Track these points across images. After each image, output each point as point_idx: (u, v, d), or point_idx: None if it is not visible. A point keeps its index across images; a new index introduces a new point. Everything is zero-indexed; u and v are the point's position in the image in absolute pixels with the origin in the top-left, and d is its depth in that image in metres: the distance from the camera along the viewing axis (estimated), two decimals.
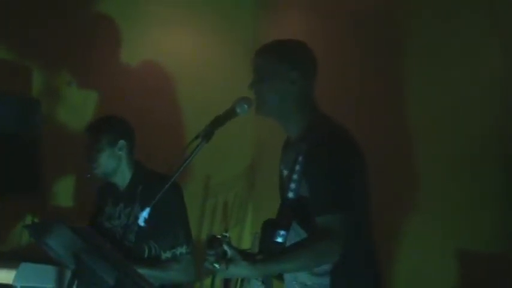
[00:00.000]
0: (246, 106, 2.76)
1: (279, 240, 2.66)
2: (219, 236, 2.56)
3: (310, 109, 2.80)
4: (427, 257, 3.61)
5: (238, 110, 2.76)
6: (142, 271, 2.98)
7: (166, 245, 3.37)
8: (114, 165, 3.50)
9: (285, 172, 2.85)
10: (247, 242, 4.91)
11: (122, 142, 3.51)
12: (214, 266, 2.50)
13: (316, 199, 2.62)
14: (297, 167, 2.68)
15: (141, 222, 2.69)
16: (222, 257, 2.50)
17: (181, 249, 3.37)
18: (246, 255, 2.55)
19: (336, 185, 2.60)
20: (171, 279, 3.36)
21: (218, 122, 2.73)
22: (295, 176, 2.69)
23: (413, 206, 3.71)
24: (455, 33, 3.57)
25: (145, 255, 3.39)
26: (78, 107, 4.79)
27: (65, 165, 4.69)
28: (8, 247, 4.29)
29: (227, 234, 2.59)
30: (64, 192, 4.74)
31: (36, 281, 3.08)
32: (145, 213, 2.69)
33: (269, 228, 2.75)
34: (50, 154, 4.47)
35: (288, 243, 2.66)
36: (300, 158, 2.67)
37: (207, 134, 2.70)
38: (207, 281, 4.55)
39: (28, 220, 4.48)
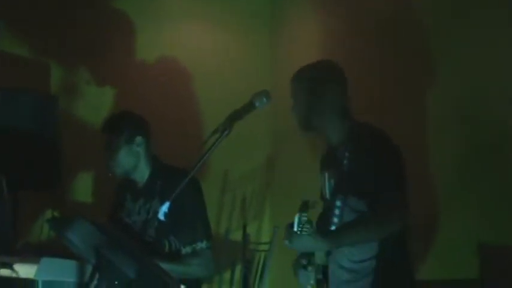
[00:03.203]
0: (264, 99, 2.79)
1: (336, 211, 2.89)
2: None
3: (347, 118, 3.03)
4: (448, 251, 3.61)
5: (256, 104, 2.79)
6: (163, 266, 2.99)
7: (186, 239, 3.37)
8: (134, 162, 3.50)
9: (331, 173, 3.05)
10: (266, 236, 4.92)
11: (139, 138, 3.51)
12: (306, 231, 2.66)
13: (379, 178, 2.84)
14: (347, 154, 2.90)
15: (161, 216, 2.71)
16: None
17: (201, 244, 3.37)
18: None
19: (395, 167, 2.89)
20: (191, 274, 3.37)
21: (236, 115, 2.76)
22: (347, 155, 2.90)
23: (433, 199, 3.70)
24: (475, 25, 3.55)
25: (166, 250, 3.41)
26: (95, 104, 4.82)
27: (83, 161, 4.72)
28: (28, 242, 4.32)
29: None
30: (83, 187, 4.76)
31: (58, 275, 3.08)
32: (165, 208, 2.71)
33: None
34: (68, 150, 4.49)
35: (344, 218, 2.89)
36: (347, 154, 2.90)
37: (226, 128, 2.72)
38: (226, 275, 4.57)
39: (48, 215, 4.51)
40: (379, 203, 2.81)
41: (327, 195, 3.09)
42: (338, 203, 2.90)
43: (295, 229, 2.69)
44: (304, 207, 2.70)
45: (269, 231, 4.86)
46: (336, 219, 2.89)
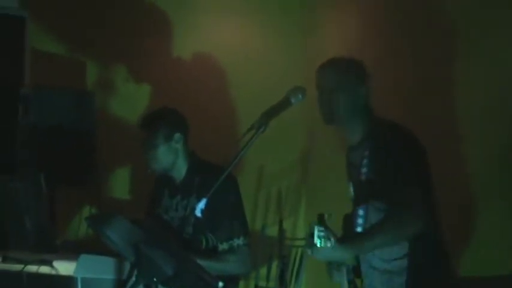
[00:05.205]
0: (300, 96, 2.79)
1: (360, 220, 2.88)
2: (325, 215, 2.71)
3: (368, 119, 2.97)
4: (482, 247, 3.58)
5: (292, 100, 2.78)
6: (200, 262, 3.00)
7: (223, 236, 3.38)
8: (172, 159, 3.51)
9: (354, 174, 2.99)
10: (301, 231, 4.91)
11: (177, 135, 3.51)
12: (326, 244, 2.62)
13: (393, 175, 2.79)
14: (365, 160, 2.86)
15: (198, 213, 2.72)
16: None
17: (238, 241, 3.38)
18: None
19: (410, 163, 2.81)
20: (228, 271, 3.37)
21: (272, 112, 2.76)
22: (365, 161, 2.87)
23: (469, 202, 3.67)
24: (506, 22, 3.52)
25: (203, 247, 3.42)
26: (131, 100, 4.84)
27: (120, 157, 4.75)
28: (67, 239, 4.36)
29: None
30: (120, 184, 4.79)
31: (96, 272, 3.12)
32: (202, 204, 2.72)
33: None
34: (105, 147, 4.52)
35: (369, 218, 2.87)
36: (367, 153, 2.87)
37: (261, 125, 2.72)
38: (263, 271, 4.57)
39: (85, 212, 4.55)
40: (397, 204, 2.76)
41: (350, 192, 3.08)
42: (361, 212, 2.87)
43: (315, 241, 2.63)
44: (321, 221, 2.63)
45: (305, 227, 4.85)
46: (360, 221, 2.88)
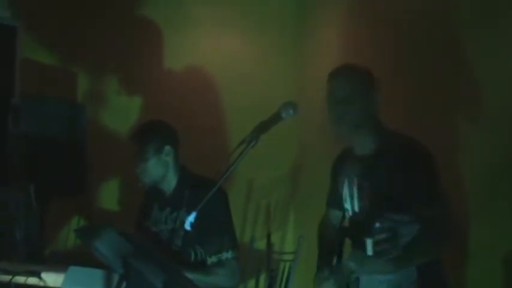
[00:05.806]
0: (291, 111, 2.79)
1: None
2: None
3: (381, 125, 2.98)
4: (474, 261, 3.59)
5: (283, 115, 2.79)
6: (189, 275, 3.01)
7: (212, 249, 3.38)
8: (162, 171, 3.51)
9: (355, 181, 3.00)
10: (290, 245, 4.92)
11: (167, 148, 3.52)
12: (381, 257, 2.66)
13: (422, 191, 2.84)
14: (383, 173, 2.87)
15: (187, 226, 2.73)
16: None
17: (227, 254, 3.38)
18: None
19: (434, 178, 2.86)
20: (217, 284, 3.38)
21: (263, 127, 2.77)
22: (383, 174, 2.88)
23: (460, 209, 3.69)
24: (503, 34, 3.55)
25: (191, 260, 3.42)
26: (122, 111, 4.85)
27: (110, 169, 4.75)
28: (55, 250, 4.35)
29: None
30: (109, 195, 4.79)
31: (85, 284, 3.11)
32: (191, 218, 2.73)
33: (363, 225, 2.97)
34: (95, 158, 4.52)
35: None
36: (383, 165, 2.87)
37: (252, 140, 2.73)
38: (251, 284, 4.57)
39: (74, 223, 4.54)
40: (428, 220, 2.79)
41: (347, 203, 3.06)
42: (377, 225, 2.80)
43: (368, 252, 2.65)
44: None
45: (293, 241, 4.85)
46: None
